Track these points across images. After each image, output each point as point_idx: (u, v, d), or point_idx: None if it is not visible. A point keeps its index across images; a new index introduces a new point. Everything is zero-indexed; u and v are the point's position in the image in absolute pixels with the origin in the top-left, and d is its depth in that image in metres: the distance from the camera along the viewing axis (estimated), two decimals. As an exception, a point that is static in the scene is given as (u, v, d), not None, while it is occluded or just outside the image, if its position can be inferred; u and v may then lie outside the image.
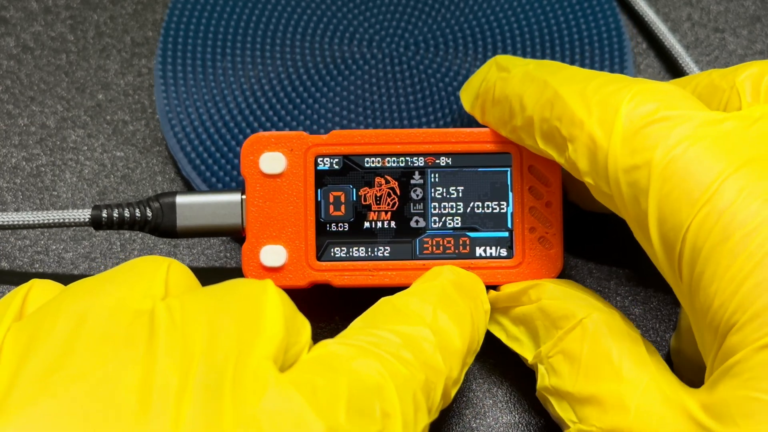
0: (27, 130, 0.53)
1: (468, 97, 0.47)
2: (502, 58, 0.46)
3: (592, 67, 0.52)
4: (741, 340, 0.34)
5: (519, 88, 0.43)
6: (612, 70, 0.52)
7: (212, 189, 0.50)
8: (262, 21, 0.53)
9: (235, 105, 0.51)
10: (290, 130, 0.51)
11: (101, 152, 0.52)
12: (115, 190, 0.51)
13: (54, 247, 0.50)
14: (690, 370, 0.44)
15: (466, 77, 0.52)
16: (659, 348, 0.48)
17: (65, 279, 0.49)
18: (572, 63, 0.52)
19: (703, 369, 0.39)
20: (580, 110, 0.39)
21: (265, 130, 0.51)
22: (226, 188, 0.49)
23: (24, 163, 0.52)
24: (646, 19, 0.54)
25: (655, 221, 0.37)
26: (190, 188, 0.51)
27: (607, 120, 0.38)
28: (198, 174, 0.50)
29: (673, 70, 0.54)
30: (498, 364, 0.48)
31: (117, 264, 0.50)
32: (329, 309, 0.49)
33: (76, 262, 0.50)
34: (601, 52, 0.52)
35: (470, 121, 0.51)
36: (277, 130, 0.51)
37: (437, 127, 0.51)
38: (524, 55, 0.52)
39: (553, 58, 0.52)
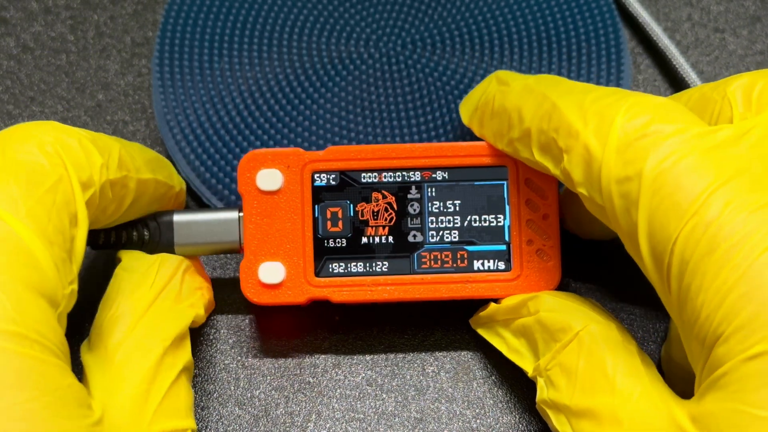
0: (28, 130, 0.51)
1: (467, 110, 0.46)
2: (502, 73, 0.44)
3: (589, 65, 0.51)
4: (727, 351, 0.33)
5: (518, 101, 0.41)
6: (609, 69, 0.51)
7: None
8: (259, 21, 0.51)
9: (233, 105, 0.50)
10: (288, 130, 0.49)
11: (102, 152, 0.51)
12: (116, 190, 0.50)
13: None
14: (681, 380, 0.43)
15: (463, 76, 0.50)
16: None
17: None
18: (569, 60, 0.51)
19: (693, 379, 0.38)
20: (576, 121, 0.38)
21: (262, 130, 0.49)
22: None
23: (25, 163, 0.51)
24: (639, 20, 0.53)
25: (645, 233, 0.36)
26: (188, 189, 0.50)
27: (602, 131, 0.37)
28: (197, 175, 0.49)
29: (667, 68, 0.53)
30: (499, 364, 0.47)
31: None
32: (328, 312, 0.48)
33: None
34: (597, 51, 0.51)
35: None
36: (275, 130, 0.49)
37: (435, 125, 0.49)
38: (522, 53, 0.51)
39: (550, 56, 0.51)
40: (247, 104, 0.50)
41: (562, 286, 0.45)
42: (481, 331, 0.45)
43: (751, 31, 0.53)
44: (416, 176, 0.44)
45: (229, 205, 0.48)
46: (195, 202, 0.50)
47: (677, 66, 0.52)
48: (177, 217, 0.44)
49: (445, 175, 0.44)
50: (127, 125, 0.51)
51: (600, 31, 0.51)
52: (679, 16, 0.54)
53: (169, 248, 0.44)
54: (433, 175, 0.44)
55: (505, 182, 0.44)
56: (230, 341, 0.47)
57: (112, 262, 0.44)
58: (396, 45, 0.51)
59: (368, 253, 0.44)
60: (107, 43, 0.53)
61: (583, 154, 0.38)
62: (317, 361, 0.47)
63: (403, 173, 0.44)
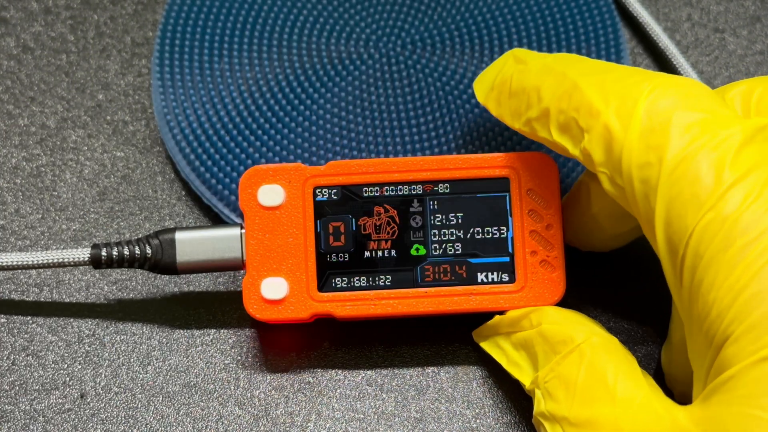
0: (27, 130, 0.51)
1: (482, 89, 0.44)
2: (519, 51, 0.43)
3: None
4: (737, 352, 0.33)
5: (536, 80, 0.40)
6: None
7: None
8: (259, 21, 0.50)
9: (233, 106, 0.49)
10: (289, 130, 0.48)
11: (101, 152, 0.50)
12: (115, 190, 0.49)
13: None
14: (681, 383, 0.43)
15: (462, 76, 0.49)
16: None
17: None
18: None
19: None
20: (597, 101, 0.37)
21: (262, 130, 0.48)
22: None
23: (24, 163, 0.50)
24: (639, 20, 0.52)
25: (662, 222, 0.35)
26: (188, 190, 0.49)
27: (625, 112, 0.36)
28: (197, 176, 0.48)
29: (667, 68, 0.52)
30: (499, 364, 0.46)
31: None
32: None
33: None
34: (597, 51, 0.50)
35: (469, 122, 0.48)
36: (275, 130, 0.48)
37: (435, 125, 0.48)
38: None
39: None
40: (248, 104, 0.49)
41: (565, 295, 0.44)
42: (482, 344, 0.45)
43: (751, 31, 0.52)
44: (418, 189, 0.43)
45: (229, 206, 0.48)
46: (195, 203, 0.49)
47: (677, 66, 0.51)
48: (179, 235, 0.44)
49: (447, 188, 0.43)
50: (127, 125, 0.51)
51: (600, 31, 0.50)
52: (679, 16, 0.53)
53: (172, 266, 0.44)
54: (435, 188, 0.43)
55: (507, 194, 0.43)
56: (230, 341, 0.46)
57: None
58: (396, 45, 0.50)
59: (371, 267, 0.43)
60: (107, 43, 0.52)
61: (604, 134, 0.37)
62: (317, 361, 0.46)
63: (405, 187, 0.43)
